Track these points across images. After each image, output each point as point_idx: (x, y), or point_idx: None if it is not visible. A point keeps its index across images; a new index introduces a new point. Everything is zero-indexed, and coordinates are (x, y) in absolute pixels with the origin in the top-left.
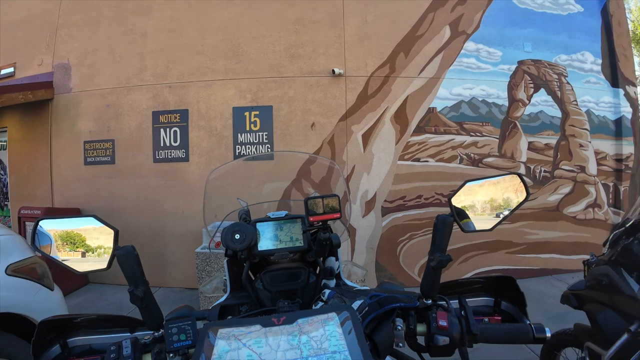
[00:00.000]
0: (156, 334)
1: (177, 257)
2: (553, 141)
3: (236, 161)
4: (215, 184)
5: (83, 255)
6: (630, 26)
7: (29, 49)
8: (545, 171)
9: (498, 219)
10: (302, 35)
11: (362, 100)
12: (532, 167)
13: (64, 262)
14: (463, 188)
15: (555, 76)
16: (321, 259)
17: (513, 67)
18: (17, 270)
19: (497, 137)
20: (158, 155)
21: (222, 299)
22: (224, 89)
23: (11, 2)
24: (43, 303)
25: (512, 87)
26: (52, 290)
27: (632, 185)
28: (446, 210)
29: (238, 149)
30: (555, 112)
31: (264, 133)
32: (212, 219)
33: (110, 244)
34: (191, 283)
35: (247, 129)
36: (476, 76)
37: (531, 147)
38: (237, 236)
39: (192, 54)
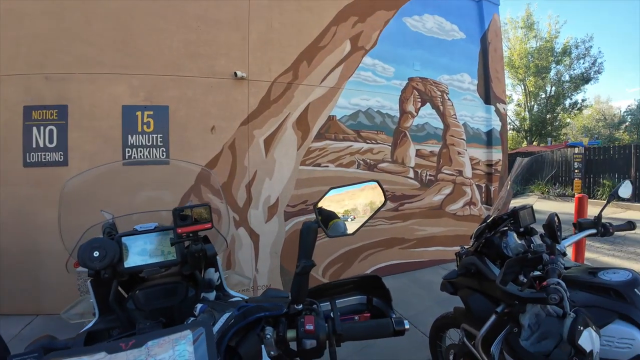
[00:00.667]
0: None
1: (56, 278)
2: (436, 149)
3: (101, 167)
4: (78, 195)
5: None
6: (507, 53)
7: None
8: (430, 175)
9: (359, 223)
10: (204, 34)
11: (265, 105)
12: (419, 171)
13: None
14: (327, 195)
15: (439, 93)
16: (201, 271)
17: (404, 83)
18: None
19: (390, 144)
20: (29, 159)
21: (90, 325)
22: (112, 84)
23: None
24: None
25: (402, 101)
26: None
27: (501, 186)
28: None
29: (128, 152)
30: (438, 124)
31: (159, 135)
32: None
33: None
34: None
35: (139, 130)
36: (372, 88)
37: (418, 154)
38: (96, 253)
39: (76, 42)
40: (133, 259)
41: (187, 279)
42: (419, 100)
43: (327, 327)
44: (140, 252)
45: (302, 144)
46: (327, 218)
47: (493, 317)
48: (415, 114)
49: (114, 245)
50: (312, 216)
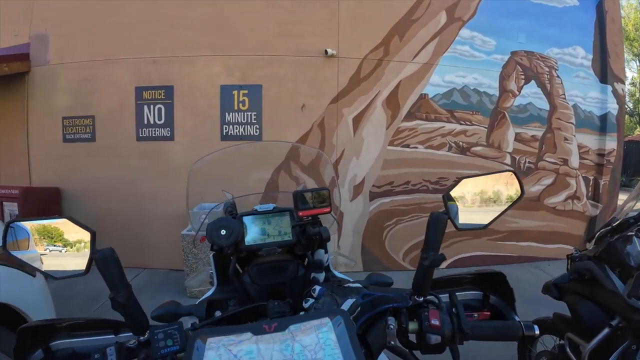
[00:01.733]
0: (141, 338)
1: (161, 238)
2: (539, 133)
3: (222, 150)
4: (200, 171)
5: (61, 250)
6: (622, 23)
7: (3, 18)
8: (529, 162)
9: (492, 216)
10: (294, 13)
11: (354, 83)
12: (517, 157)
13: (40, 267)
14: (459, 184)
15: (547, 69)
16: (310, 251)
17: (506, 58)
18: None
19: (486, 126)
20: (141, 134)
21: (209, 293)
22: (210, 65)
23: None
24: (24, 291)
25: (503, 78)
26: (33, 276)
27: (612, 179)
28: (433, 196)
29: (225, 129)
30: (544, 104)
31: (253, 113)
32: (197, 202)
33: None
34: (176, 264)
35: (235, 108)
36: (469, 64)
37: (518, 138)
38: (223, 232)
39: (176, 27)
40: (252, 238)
41: (298, 258)
42: (523, 77)
43: (452, 324)
44: (259, 232)
45: (391, 124)
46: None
47: (606, 330)
48: (518, 92)
49: (239, 224)
50: (397, 198)
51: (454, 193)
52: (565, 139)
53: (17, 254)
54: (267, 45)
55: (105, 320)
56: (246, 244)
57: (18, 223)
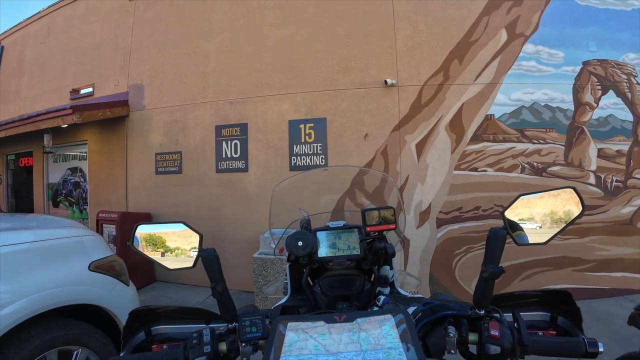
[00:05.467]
0: (230, 325)
1: (235, 261)
2: (625, 147)
3: (300, 175)
4: (279, 194)
5: (162, 254)
6: None
7: (105, 71)
8: (617, 181)
9: (552, 233)
10: (354, 49)
11: (416, 110)
12: (602, 176)
13: (158, 260)
14: (517, 201)
15: (624, 76)
16: (376, 267)
17: (577, 69)
18: (98, 267)
19: (563, 144)
20: (220, 166)
21: (283, 300)
22: (280, 103)
23: (85, 27)
24: (119, 297)
25: (577, 90)
26: (127, 285)
27: None
28: None
29: (294, 160)
30: (626, 115)
31: (319, 144)
32: (271, 226)
33: (194, 246)
34: (247, 286)
35: (302, 140)
36: (537, 80)
37: (601, 154)
38: (300, 243)
39: (251, 72)
40: (324, 251)
41: (365, 274)
42: (599, 87)
43: (513, 337)
44: (331, 245)
45: (457, 147)
46: (512, 229)
47: None
48: (595, 104)
49: (313, 238)
50: (466, 225)
51: (512, 209)
52: None
53: (140, 250)
54: (331, 80)
55: (199, 309)
56: (319, 255)
57: (144, 225)
